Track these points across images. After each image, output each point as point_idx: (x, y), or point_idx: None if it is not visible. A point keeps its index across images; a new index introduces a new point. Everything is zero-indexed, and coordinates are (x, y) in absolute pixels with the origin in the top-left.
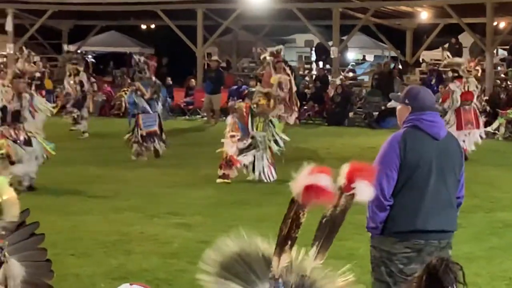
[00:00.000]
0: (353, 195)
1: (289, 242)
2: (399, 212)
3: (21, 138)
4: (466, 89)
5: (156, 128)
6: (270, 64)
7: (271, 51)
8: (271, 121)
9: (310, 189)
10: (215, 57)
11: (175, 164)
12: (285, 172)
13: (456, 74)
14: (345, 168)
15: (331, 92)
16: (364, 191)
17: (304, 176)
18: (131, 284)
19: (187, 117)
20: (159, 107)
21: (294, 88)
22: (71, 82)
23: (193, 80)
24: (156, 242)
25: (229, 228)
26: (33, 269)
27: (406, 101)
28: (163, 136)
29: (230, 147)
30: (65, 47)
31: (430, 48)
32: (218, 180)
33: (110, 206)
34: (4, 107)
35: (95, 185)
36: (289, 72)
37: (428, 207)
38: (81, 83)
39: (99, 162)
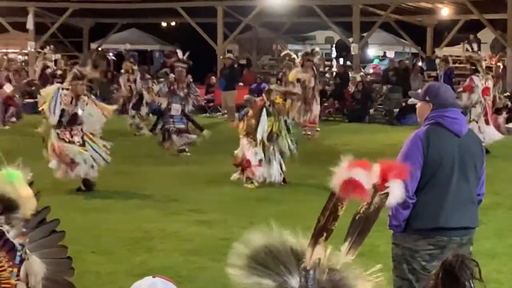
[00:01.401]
0: (387, 194)
1: (325, 234)
2: (422, 210)
3: (76, 140)
4: (485, 84)
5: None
6: (298, 61)
7: (307, 50)
8: (286, 121)
9: (348, 183)
10: (229, 55)
11: (196, 161)
12: (305, 169)
13: (474, 68)
14: (378, 167)
15: (351, 88)
16: (397, 192)
17: (343, 170)
18: (153, 277)
19: (207, 114)
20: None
21: (318, 87)
22: (126, 80)
23: (213, 77)
24: (178, 239)
25: (250, 225)
26: (54, 266)
27: (427, 98)
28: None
29: (246, 149)
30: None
31: (451, 44)
32: (241, 181)
33: (131, 203)
34: (63, 110)
35: (116, 182)
36: (316, 73)
37: (451, 204)
38: (135, 82)
39: (120, 159)
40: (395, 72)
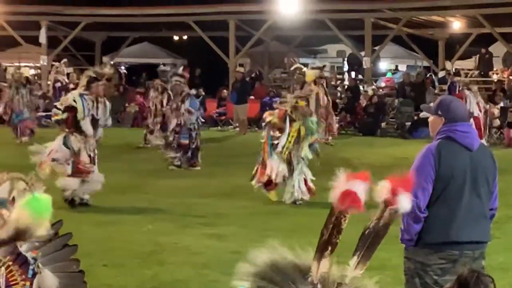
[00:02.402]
0: (397, 210)
1: (330, 248)
2: (433, 224)
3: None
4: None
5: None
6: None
7: (317, 66)
8: (311, 121)
9: (346, 196)
10: (239, 68)
11: (208, 174)
12: (317, 182)
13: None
14: (387, 182)
15: (363, 102)
16: (405, 204)
17: (342, 182)
18: None
19: (219, 127)
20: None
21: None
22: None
23: (225, 91)
24: (189, 253)
25: (262, 239)
26: (66, 280)
27: (439, 112)
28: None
29: (274, 164)
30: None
31: (463, 57)
32: (254, 183)
33: (143, 216)
34: (94, 119)
35: (128, 195)
36: (326, 90)
37: (462, 219)
38: (161, 103)
39: (132, 172)
40: (412, 86)
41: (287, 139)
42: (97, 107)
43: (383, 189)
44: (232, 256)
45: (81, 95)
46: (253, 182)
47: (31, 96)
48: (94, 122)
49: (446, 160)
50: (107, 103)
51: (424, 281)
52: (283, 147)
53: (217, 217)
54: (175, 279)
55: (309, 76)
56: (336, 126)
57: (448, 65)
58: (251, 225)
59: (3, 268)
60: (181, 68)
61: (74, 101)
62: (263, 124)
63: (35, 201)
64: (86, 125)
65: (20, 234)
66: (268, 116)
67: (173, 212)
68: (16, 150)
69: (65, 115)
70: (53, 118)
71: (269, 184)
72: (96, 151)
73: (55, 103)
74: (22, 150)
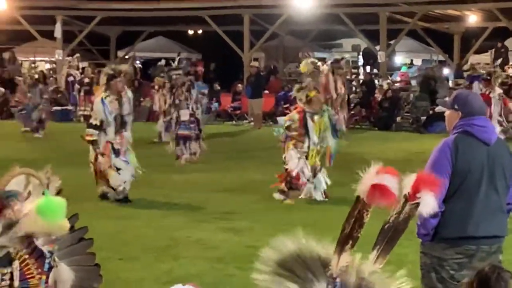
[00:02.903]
0: (417, 204)
1: (351, 242)
2: (450, 218)
3: (123, 148)
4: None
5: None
6: (327, 71)
7: (336, 59)
8: (330, 117)
9: (376, 189)
10: (254, 63)
11: (222, 168)
12: (332, 177)
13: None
14: (410, 178)
15: (378, 96)
16: (428, 203)
17: (371, 176)
18: (183, 285)
19: (234, 122)
20: None
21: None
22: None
23: (240, 85)
24: (204, 247)
25: (277, 233)
26: (82, 273)
27: (456, 106)
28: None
29: (293, 163)
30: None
31: (478, 52)
32: (276, 195)
33: (158, 211)
34: (119, 116)
35: (143, 189)
36: (344, 82)
37: (479, 213)
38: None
39: (147, 166)
40: (435, 80)
41: (311, 138)
42: (121, 104)
43: (404, 182)
44: (247, 250)
45: (102, 101)
46: (276, 195)
47: (41, 98)
48: (122, 121)
49: (463, 154)
50: (130, 94)
51: (440, 276)
52: (309, 148)
53: (232, 212)
54: (189, 273)
55: (303, 68)
56: (345, 119)
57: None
58: (265, 220)
59: (17, 262)
60: (177, 59)
61: (100, 111)
62: (282, 130)
63: (47, 205)
64: (111, 132)
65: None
66: (287, 121)
67: (187, 207)
68: (27, 144)
69: (96, 136)
70: (87, 138)
71: (290, 187)
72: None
73: (87, 117)
74: (33, 143)
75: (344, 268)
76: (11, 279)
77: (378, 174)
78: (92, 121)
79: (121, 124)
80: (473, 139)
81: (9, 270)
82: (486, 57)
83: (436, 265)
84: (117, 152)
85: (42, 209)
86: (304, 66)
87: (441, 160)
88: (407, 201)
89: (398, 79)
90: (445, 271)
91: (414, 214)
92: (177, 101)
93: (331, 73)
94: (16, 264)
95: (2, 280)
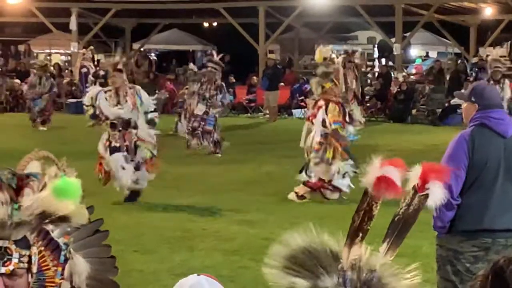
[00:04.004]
0: (427, 195)
1: (361, 234)
2: (467, 211)
3: (125, 145)
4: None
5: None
6: (340, 63)
7: (347, 50)
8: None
9: (381, 181)
10: (271, 55)
11: (237, 160)
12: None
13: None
14: (419, 168)
15: (394, 89)
16: (437, 194)
17: (376, 168)
18: (198, 275)
19: (249, 114)
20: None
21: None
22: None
23: (255, 77)
24: (219, 239)
25: (291, 225)
26: (98, 265)
27: (473, 98)
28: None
29: (322, 173)
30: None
31: (494, 44)
32: (291, 196)
33: (173, 203)
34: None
35: (158, 181)
36: (357, 74)
37: (495, 206)
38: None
39: (161, 158)
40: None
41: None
42: (118, 103)
43: (413, 174)
44: (262, 242)
45: (99, 92)
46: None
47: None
48: (125, 122)
49: (480, 147)
50: (139, 92)
51: (456, 268)
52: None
53: (247, 204)
54: (205, 265)
55: (318, 57)
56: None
57: (481, 51)
58: (280, 212)
59: (35, 248)
60: (220, 56)
61: (92, 98)
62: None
63: (63, 184)
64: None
65: (47, 215)
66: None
67: (202, 199)
68: (41, 136)
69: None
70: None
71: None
72: (135, 142)
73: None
74: (46, 136)
75: (354, 261)
76: (29, 262)
77: (382, 165)
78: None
79: (125, 124)
80: (490, 132)
81: (27, 253)
82: (501, 50)
83: (452, 257)
84: (115, 150)
85: (58, 187)
86: (319, 54)
87: (457, 153)
88: (416, 192)
89: (414, 71)
90: (461, 264)
91: (424, 206)
92: (205, 93)
93: (343, 67)
94: (34, 249)
95: (20, 261)
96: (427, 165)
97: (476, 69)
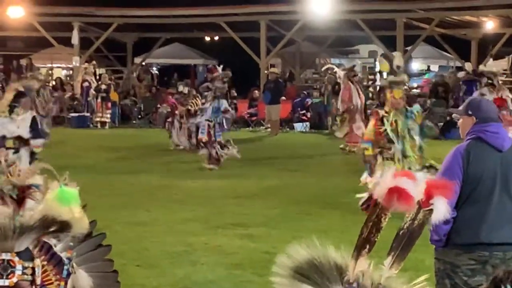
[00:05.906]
0: (431, 210)
1: (368, 246)
2: (463, 225)
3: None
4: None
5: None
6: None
7: (348, 67)
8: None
9: (393, 192)
10: (273, 69)
11: (239, 174)
12: (350, 182)
13: (490, 81)
14: (423, 183)
15: None
16: (442, 209)
17: (388, 179)
18: None
19: (251, 128)
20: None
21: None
22: None
23: (256, 91)
24: (221, 253)
25: (293, 239)
26: (100, 280)
27: (469, 112)
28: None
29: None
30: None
31: (496, 58)
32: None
33: (175, 217)
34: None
35: (160, 195)
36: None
37: (492, 220)
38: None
39: (164, 172)
40: (444, 86)
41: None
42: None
43: (418, 186)
44: (264, 257)
45: None
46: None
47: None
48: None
49: (475, 161)
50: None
51: (454, 281)
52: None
53: (249, 218)
54: (207, 280)
55: (382, 67)
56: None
57: (468, 65)
58: (283, 226)
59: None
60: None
61: None
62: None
63: (62, 192)
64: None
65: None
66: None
67: (205, 213)
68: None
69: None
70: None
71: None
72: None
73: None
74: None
75: (360, 273)
76: (33, 274)
77: (395, 177)
78: None
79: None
80: (486, 146)
81: (31, 265)
82: (503, 63)
83: (449, 271)
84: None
85: (58, 194)
86: (383, 65)
87: (452, 167)
88: (421, 207)
89: (415, 85)
90: (459, 277)
91: (428, 220)
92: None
93: (350, 82)
94: (37, 261)
95: (24, 273)
96: (431, 181)
97: (462, 83)
